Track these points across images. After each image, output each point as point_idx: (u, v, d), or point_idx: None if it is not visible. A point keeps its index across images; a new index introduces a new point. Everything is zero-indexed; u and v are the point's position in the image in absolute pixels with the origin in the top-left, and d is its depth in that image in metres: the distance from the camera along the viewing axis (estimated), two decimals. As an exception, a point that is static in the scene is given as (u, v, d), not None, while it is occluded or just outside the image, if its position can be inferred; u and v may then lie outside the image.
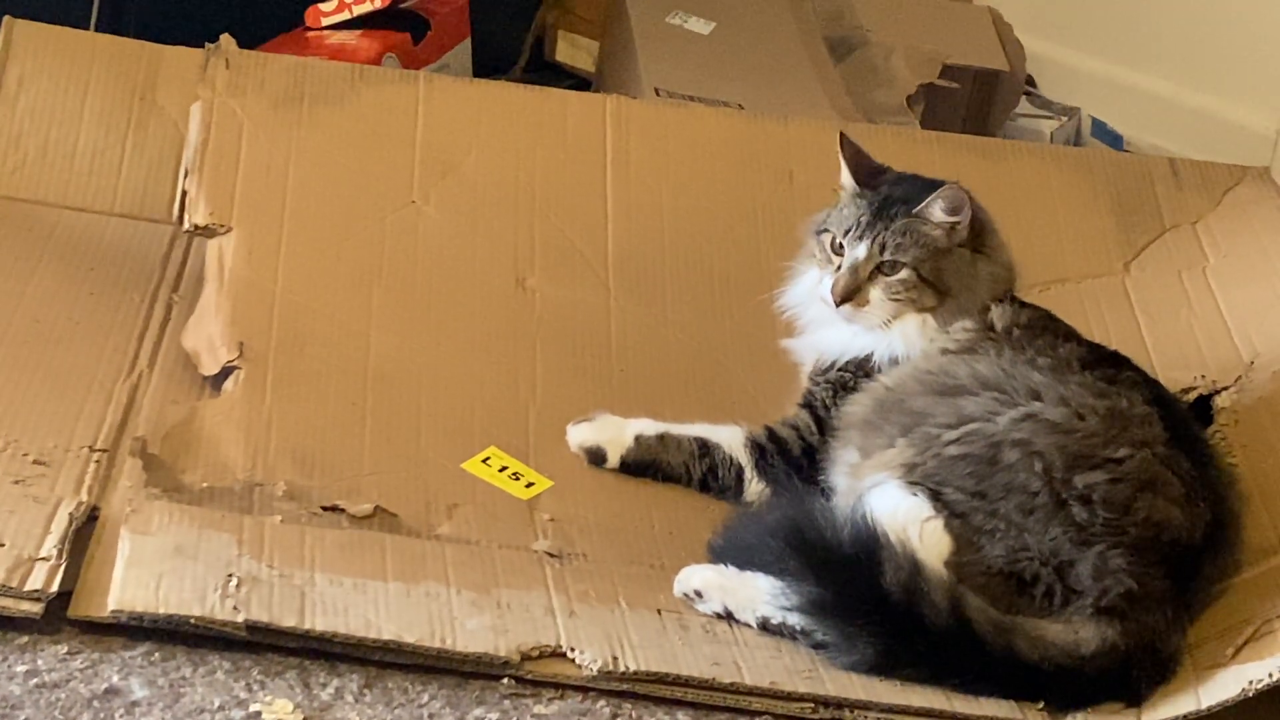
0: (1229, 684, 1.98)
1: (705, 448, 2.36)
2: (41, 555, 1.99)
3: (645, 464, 2.37)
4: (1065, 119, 3.74)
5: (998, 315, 2.31)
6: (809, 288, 2.36)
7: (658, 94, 3.14)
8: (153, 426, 2.29)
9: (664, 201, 2.78)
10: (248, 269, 2.52)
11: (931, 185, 2.31)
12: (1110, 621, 2.05)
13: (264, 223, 2.59)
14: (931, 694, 2.02)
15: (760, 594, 2.08)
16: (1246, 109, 3.72)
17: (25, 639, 1.94)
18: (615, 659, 1.99)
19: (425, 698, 1.95)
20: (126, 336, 2.48)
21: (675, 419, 2.40)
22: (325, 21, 3.29)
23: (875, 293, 2.29)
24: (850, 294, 2.29)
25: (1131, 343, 2.59)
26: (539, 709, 1.96)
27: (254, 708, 1.89)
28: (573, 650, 2.00)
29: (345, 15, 3.30)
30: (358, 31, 3.28)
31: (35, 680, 1.88)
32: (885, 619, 2.01)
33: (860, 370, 2.33)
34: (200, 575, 1.99)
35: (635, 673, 1.99)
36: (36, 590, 1.95)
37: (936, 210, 2.27)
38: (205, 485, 2.20)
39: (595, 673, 1.98)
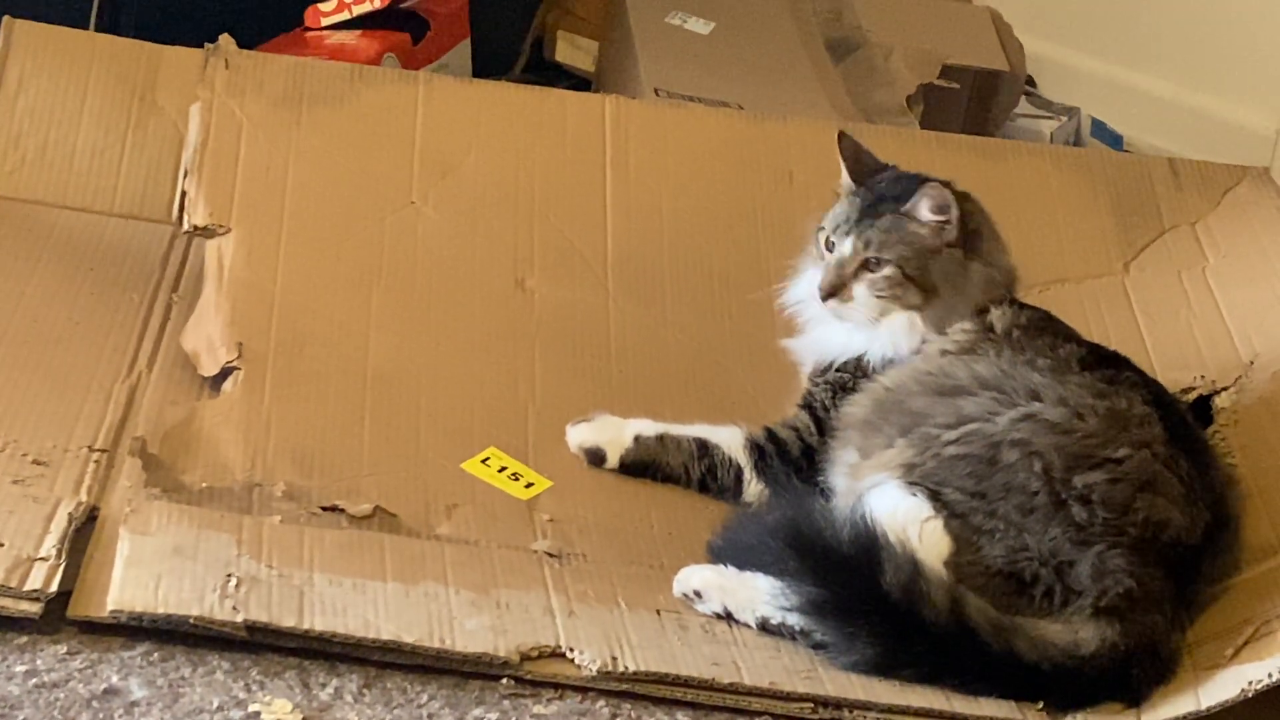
0: (1229, 684, 1.98)
1: (704, 448, 2.36)
2: (41, 555, 1.99)
3: (644, 464, 2.37)
4: (1065, 119, 3.74)
5: (997, 317, 2.30)
6: (808, 286, 2.36)
7: (657, 94, 3.14)
8: (152, 426, 2.29)
9: (663, 202, 2.78)
10: (247, 270, 2.52)
11: (926, 183, 2.31)
12: (1110, 621, 2.05)
13: (263, 223, 2.59)
14: (931, 694, 2.02)
15: (759, 594, 2.08)
16: (1246, 109, 3.72)
17: (24, 639, 1.94)
18: (614, 659, 1.99)
19: (424, 698, 1.95)
20: (126, 337, 2.48)
21: (675, 419, 2.40)
22: (325, 21, 3.29)
23: (860, 289, 2.29)
24: (835, 289, 2.30)
25: (1131, 343, 2.59)
26: (538, 709, 1.96)
27: (253, 708, 1.89)
28: (572, 650, 2.00)
29: (345, 15, 3.29)
30: (357, 31, 3.28)
31: (34, 680, 1.88)
32: (885, 619, 2.01)
33: (857, 370, 2.33)
34: (199, 575, 1.99)
35: (634, 673, 1.98)
36: (36, 590, 1.95)
37: (923, 209, 2.27)
38: (204, 485, 2.20)
39: (594, 673, 1.98)
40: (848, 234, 2.30)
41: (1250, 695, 1.94)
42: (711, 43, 3.39)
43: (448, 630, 1.99)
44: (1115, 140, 3.78)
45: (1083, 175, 2.92)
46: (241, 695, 1.91)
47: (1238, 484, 2.29)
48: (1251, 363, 2.58)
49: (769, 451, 2.34)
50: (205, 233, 2.57)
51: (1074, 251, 2.81)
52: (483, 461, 2.35)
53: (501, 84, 3.02)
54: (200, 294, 2.51)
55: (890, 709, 2.00)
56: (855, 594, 2.01)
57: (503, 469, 2.34)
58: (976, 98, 3.51)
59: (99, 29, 3.08)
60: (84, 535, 2.06)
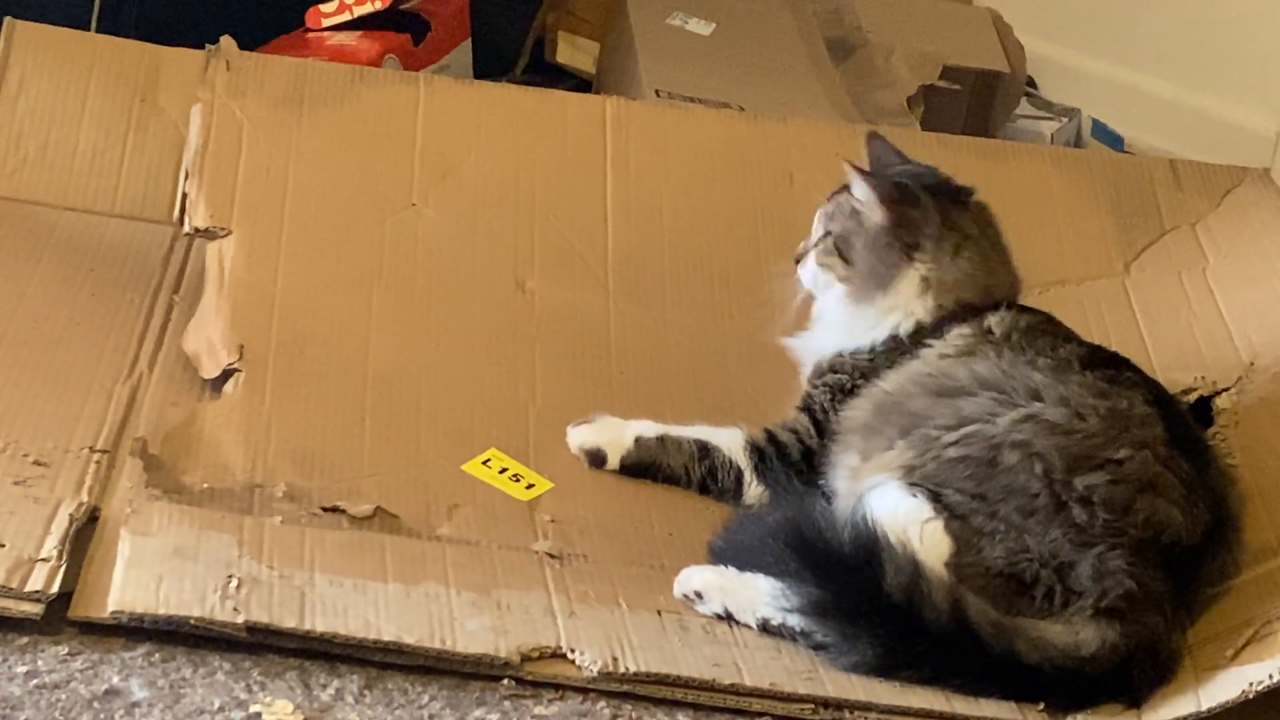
0: (1229, 685, 1.98)
1: (705, 450, 2.36)
2: (42, 556, 1.99)
3: (645, 466, 2.38)
4: (1066, 120, 3.74)
5: (995, 321, 2.31)
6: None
7: (658, 95, 3.14)
8: (153, 427, 2.29)
9: (664, 203, 2.78)
10: (248, 271, 2.52)
11: (928, 175, 2.38)
12: (1110, 622, 2.05)
13: (264, 225, 2.59)
14: (932, 695, 2.02)
15: (760, 595, 2.08)
16: (1246, 110, 3.72)
17: (25, 640, 1.94)
18: (615, 660, 1.99)
19: (425, 699, 1.95)
20: (127, 337, 2.48)
21: (675, 421, 2.40)
22: (326, 23, 3.29)
23: (811, 256, 2.40)
24: (799, 258, 2.42)
25: (1131, 344, 2.59)
26: (539, 710, 1.96)
27: (254, 709, 1.89)
28: (573, 651, 2.00)
29: (346, 16, 3.29)
30: (358, 33, 3.28)
31: (35, 681, 1.88)
32: (886, 620, 2.01)
33: (854, 371, 2.34)
34: (200, 576, 1.99)
35: (635, 674, 1.99)
36: (37, 591, 1.95)
37: (856, 191, 2.35)
38: (205, 486, 2.20)
39: (595, 674, 1.98)
40: (822, 215, 2.42)
41: (1251, 696, 1.94)
42: (712, 44, 3.39)
43: (448, 631, 1.99)
44: (1116, 141, 3.78)
45: (1083, 176, 2.92)
46: (242, 696, 1.91)
47: (1238, 485, 2.29)
48: (1252, 363, 2.58)
49: (769, 454, 2.34)
50: (206, 235, 2.57)
51: (1074, 252, 2.81)
52: (483, 463, 2.35)
53: (502, 85, 3.02)
54: (201, 295, 2.51)
55: (891, 710, 2.00)
56: (856, 595, 2.02)
57: (503, 470, 2.34)
58: (977, 99, 3.51)
59: (100, 30, 3.08)
60: (85, 536, 2.07)
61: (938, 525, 2.10)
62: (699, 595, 2.11)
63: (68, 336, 2.45)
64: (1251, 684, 1.94)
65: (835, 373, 2.36)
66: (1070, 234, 2.84)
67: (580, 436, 2.39)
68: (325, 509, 2.20)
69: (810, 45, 3.41)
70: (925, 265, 2.33)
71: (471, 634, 2.00)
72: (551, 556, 2.19)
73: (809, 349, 2.42)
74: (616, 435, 2.38)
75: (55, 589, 1.96)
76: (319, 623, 1.96)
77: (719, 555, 2.16)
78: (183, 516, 2.10)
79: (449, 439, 2.38)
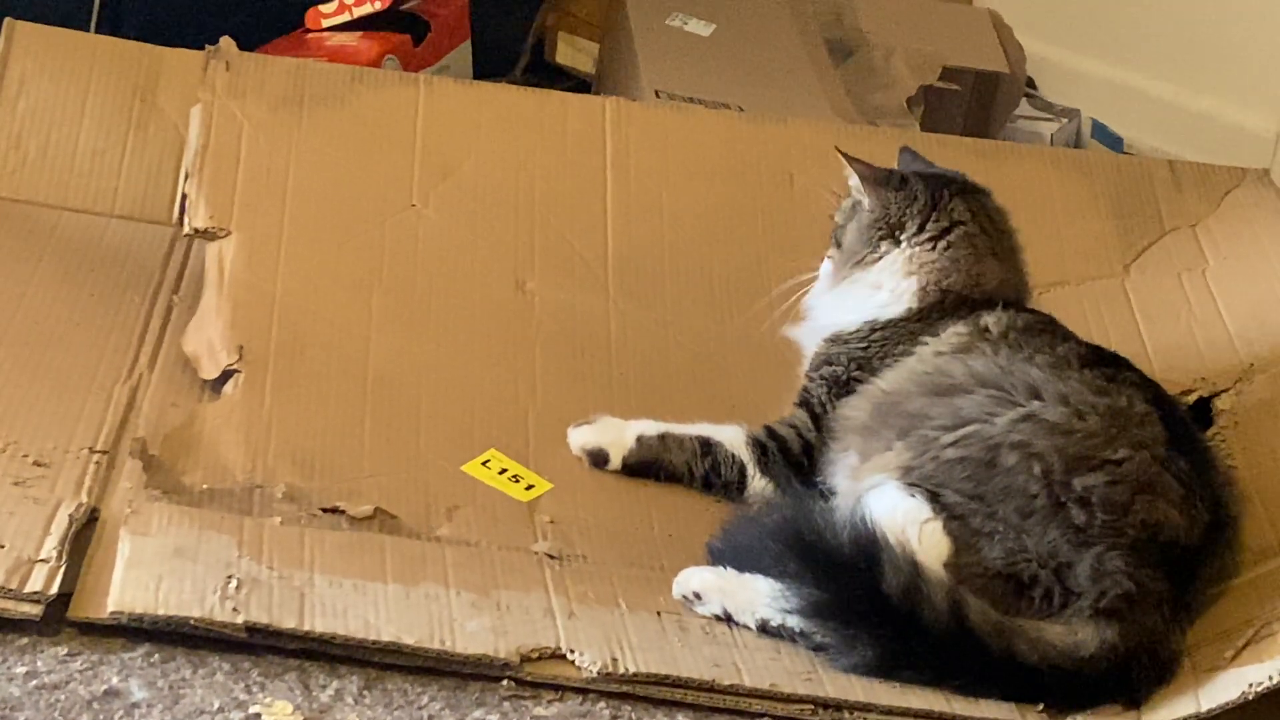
0: (1229, 686, 1.98)
1: (707, 446, 2.37)
2: (41, 557, 1.99)
3: (647, 464, 2.38)
4: (1065, 121, 3.74)
5: (992, 321, 2.32)
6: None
7: (658, 96, 3.14)
8: (153, 428, 2.29)
9: (664, 204, 2.78)
10: (247, 272, 2.52)
11: (932, 177, 2.42)
12: (1109, 623, 2.05)
13: (264, 226, 2.59)
14: (931, 696, 2.02)
15: (760, 596, 2.08)
16: (1246, 111, 3.72)
17: (25, 640, 1.94)
18: (615, 661, 1.99)
19: (425, 699, 1.95)
20: (126, 338, 2.48)
21: (675, 421, 2.40)
22: (325, 23, 3.29)
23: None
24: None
25: (1131, 345, 2.59)
26: (539, 711, 1.96)
27: (254, 709, 1.89)
28: (572, 652, 2.00)
29: (345, 17, 3.30)
30: (358, 33, 3.28)
31: (35, 682, 1.88)
32: (885, 621, 2.01)
33: (850, 364, 2.35)
34: (200, 577, 1.99)
35: (635, 674, 1.99)
36: (36, 592, 1.95)
37: (849, 179, 2.44)
38: (205, 487, 2.20)
39: (595, 674, 1.98)
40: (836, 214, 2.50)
41: (1250, 698, 1.94)
42: (712, 45, 3.39)
43: (448, 632, 1.99)
44: (1116, 142, 3.78)
45: (1083, 177, 2.93)
46: (242, 697, 1.91)
47: (1237, 485, 2.29)
48: (1252, 365, 2.58)
49: (770, 449, 2.35)
50: (206, 235, 2.57)
51: (1074, 253, 2.81)
52: (483, 464, 2.35)
53: (502, 86, 3.02)
54: (201, 296, 2.51)
55: (890, 711, 2.00)
56: (855, 596, 2.02)
57: (503, 471, 2.34)
58: (977, 99, 3.51)
59: (100, 30, 3.08)
60: (84, 537, 2.07)
61: (936, 526, 2.10)
62: (698, 596, 2.11)
63: (68, 337, 2.46)
64: (1251, 685, 1.94)
65: (830, 365, 2.37)
66: (1070, 235, 2.84)
67: (582, 437, 2.40)
68: (325, 510, 2.20)
69: (810, 46, 3.41)
70: (909, 246, 2.36)
71: (471, 635, 2.00)
72: (551, 557, 2.19)
73: (807, 333, 2.45)
74: (618, 435, 2.38)
75: (55, 590, 1.96)
76: (319, 623, 1.97)
77: (718, 556, 2.16)
78: (182, 517, 2.10)
79: (449, 440, 2.38)
